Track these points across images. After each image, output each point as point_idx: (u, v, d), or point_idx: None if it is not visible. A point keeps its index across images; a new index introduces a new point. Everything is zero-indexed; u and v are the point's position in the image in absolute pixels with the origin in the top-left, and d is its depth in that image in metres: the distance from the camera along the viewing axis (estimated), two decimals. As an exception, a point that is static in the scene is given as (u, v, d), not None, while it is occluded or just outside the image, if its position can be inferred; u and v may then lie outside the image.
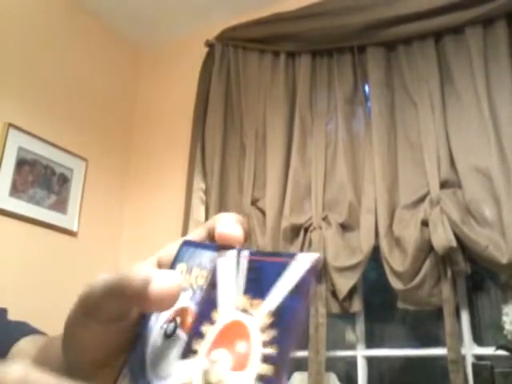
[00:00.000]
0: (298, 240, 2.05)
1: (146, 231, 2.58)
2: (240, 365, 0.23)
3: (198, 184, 2.33)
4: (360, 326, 2.07)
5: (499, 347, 1.55)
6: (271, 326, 0.23)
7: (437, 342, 1.92)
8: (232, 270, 0.27)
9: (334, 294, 1.95)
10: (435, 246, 1.77)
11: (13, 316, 0.59)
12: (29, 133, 2.27)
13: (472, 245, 1.73)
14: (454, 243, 1.74)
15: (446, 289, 1.77)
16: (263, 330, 0.23)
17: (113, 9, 2.67)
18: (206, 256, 0.29)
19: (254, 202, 2.20)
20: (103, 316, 0.28)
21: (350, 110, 2.19)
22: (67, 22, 2.58)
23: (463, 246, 1.76)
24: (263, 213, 2.16)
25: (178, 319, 0.28)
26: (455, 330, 1.75)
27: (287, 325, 0.23)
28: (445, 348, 1.74)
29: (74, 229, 2.41)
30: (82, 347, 0.30)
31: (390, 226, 1.91)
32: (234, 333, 0.25)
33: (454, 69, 2.00)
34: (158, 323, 0.29)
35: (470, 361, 1.80)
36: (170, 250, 0.31)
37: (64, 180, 2.41)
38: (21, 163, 2.22)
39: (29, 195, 2.24)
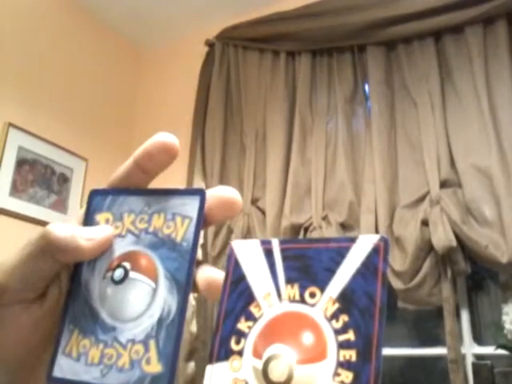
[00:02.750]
0: (298, 239, 2.04)
1: (146, 231, 2.58)
2: (312, 356, 0.22)
3: (198, 184, 2.33)
4: (360, 326, 2.07)
5: (499, 346, 1.55)
6: (340, 312, 0.22)
7: (437, 341, 1.92)
8: (261, 260, 0.26)
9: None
10: (435, 245, 1.77)
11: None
12: (29, 132, 2.27)
13: (472, 244, 1.73)
14: (454, 243, 1.73)
15: (446, 288, 1.77)
16: (331, 318, 0.23)
17: (113, 9, 2.67)
18: (135, 202, 0.29)
19: (254, 202, 2.20)
20: (17, 294, 0.27)
21: (350, 109, 2.19)
22: (67, 22, 2.58)
23: (463, 245, 1.76)
24: (263, 212, 2.16)
25: (127, 264, 0.28)
26: (455, 329, 1.75)
27: (362, 308, 0.22)
28: (445, 347, 1.74)
29: (74, 228, 2.41)
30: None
31: (390, 225, 1.91)
32: (290, 325, 0.23)
33: (454, 68, 2.00)
34: (95, 276, 0.28)
35: (469, 360, 1.80)
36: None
37: (64, 180, 2.41)
38: (21, 163, 2.22)
39: (29, 195, 2.24)
